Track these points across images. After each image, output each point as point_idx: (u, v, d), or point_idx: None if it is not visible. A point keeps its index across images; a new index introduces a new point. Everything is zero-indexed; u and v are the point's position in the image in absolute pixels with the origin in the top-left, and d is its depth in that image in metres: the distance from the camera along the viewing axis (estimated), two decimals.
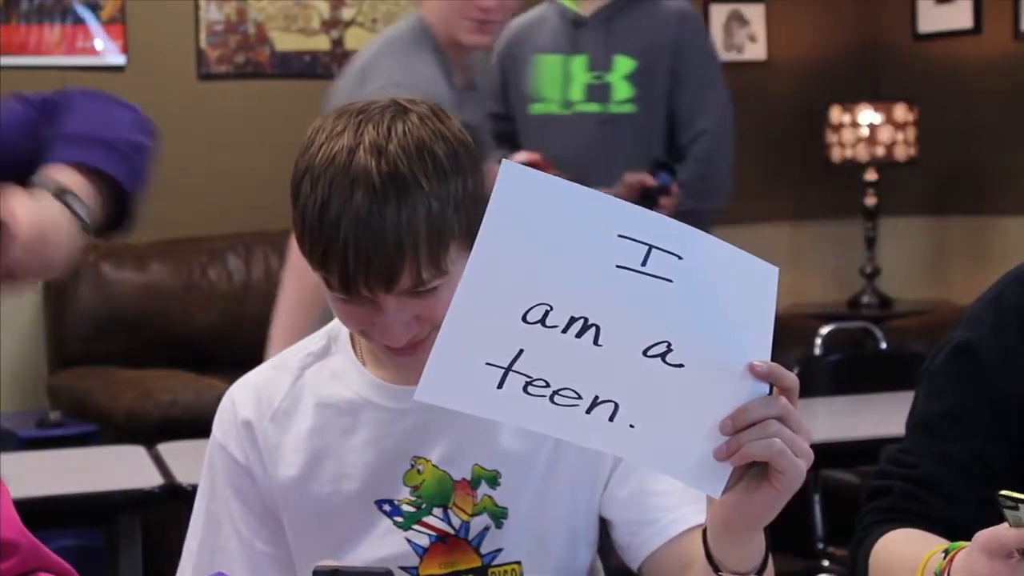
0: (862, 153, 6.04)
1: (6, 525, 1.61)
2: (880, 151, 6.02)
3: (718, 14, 6.17)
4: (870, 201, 6.10)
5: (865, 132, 6.03)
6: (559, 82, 3.90)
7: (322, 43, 5.65)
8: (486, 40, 3.44)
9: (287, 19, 5.61)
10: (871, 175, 6.08)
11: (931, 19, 6.19)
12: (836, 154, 6.09)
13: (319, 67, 5.63)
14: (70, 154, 1.80)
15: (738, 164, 6.08)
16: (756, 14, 6.23)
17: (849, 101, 6.06)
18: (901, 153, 6.04)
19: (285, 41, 5.62)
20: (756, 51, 6.25)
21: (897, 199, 6.20)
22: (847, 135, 6.06)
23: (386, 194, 1.60)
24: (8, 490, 1.64)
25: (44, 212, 1.72)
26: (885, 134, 6.01)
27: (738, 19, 6.21)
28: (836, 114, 6.06)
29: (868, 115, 6.02)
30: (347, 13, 5.64)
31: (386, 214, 1.59)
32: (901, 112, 6.02)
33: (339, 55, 5.62)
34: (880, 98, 6.10)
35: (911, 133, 6.02)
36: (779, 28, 6.27)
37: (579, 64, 3.88)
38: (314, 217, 1.62)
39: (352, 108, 1.67)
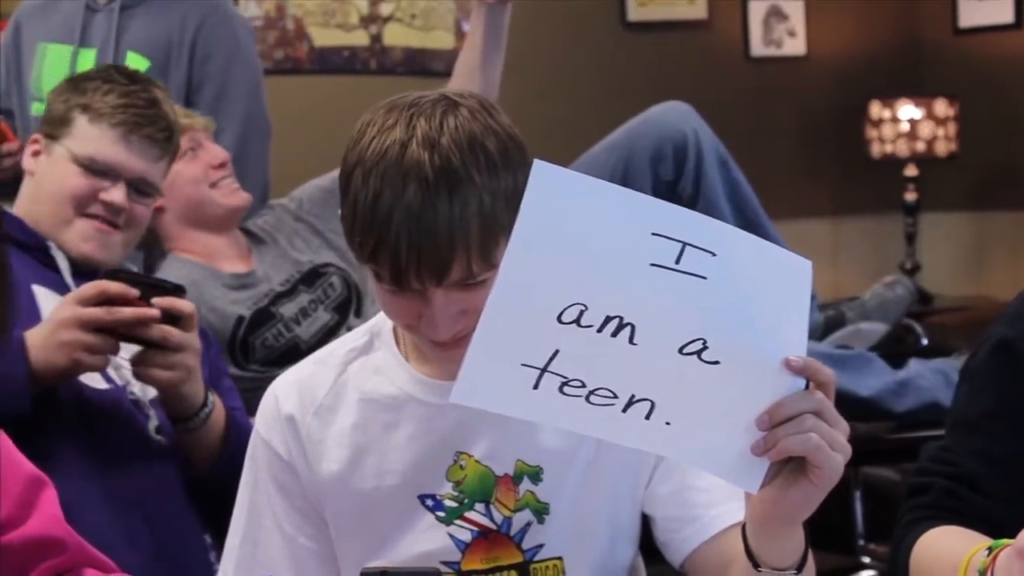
0: (902, 148, 6.02)
1: (53, 523, 1.62)
2: (920, 146, 6.00)
3: (757, 9, 6.15)
4: (910, 197, 6.07)
5: (905, 127, 6.00)
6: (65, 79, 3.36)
7: (361, 39, 5.65)
8: (244, 194, 3.09)
9: (326, 15, 5.61)
10: (911, 171, 6.06)
11: (972, 14, 6.16)
12: (876, 149, 6.07)
13: (358, 63, 5.64)
14: None
15: (777, 160, 6.10)
16: (795, 9, 6.21)
17: (889, 96, 6.03)
18: (941, 148, 6.01)
19: (324, 37, 5.62)
20: (795, 46, 6.23)
21: (937, 195, 6.18)
22: (887, 130, 6.03)
23: (438, 188, 1.60)
24: (54, 490, 1.65)
25: None
26: (925, 129, 5.99)
27: (777, 14, 6.19)
28: (876, 109, 6.04)
29: (908, 110, 5.99)
30: (386, 8, 5.64)
31: (438, 207, 1.60)
32: (941, 107, 5.99)
33: (378, 51, 5.63)
34: (920, 93, 6.07)
35: (951, 128, 6.00)
36: (818, 23, 6.25)
37: (87, 59, 3.29)
38: (366, 210, 1.62)
39: (402, 102, 1.67)
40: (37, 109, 3.29)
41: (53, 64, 3.31)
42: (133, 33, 3.29)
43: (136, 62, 3.24)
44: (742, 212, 3.25)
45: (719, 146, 3.28)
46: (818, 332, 3.40)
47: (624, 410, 1.44)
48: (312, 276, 3.12)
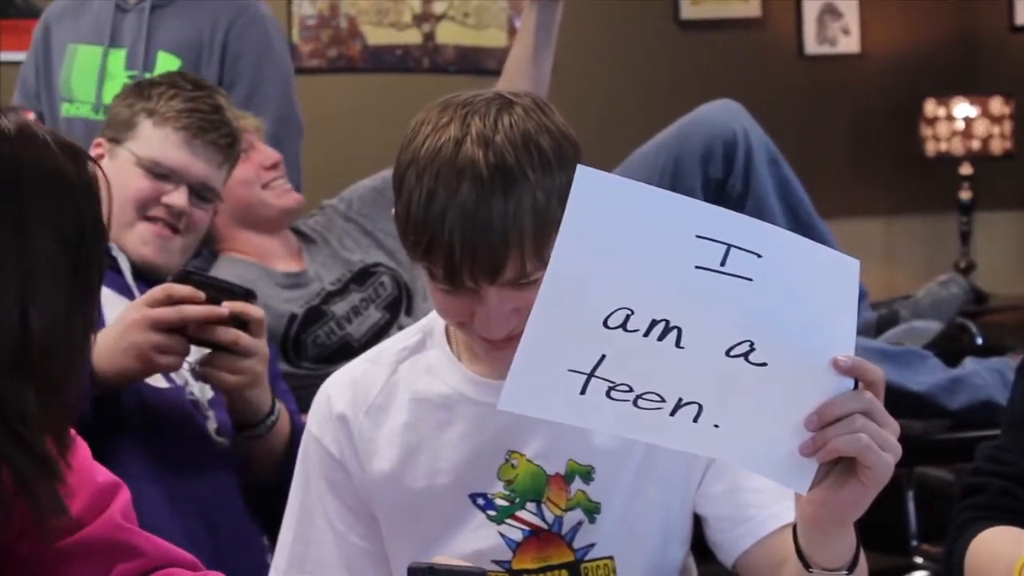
0: (957, 147, 5.98)
1: (116, 528, 1.62)
2: (975, 145, 5.96)
3: (811, 7, 6.13)
4: (965, 195, 6.04)
5: (960, 126, 5.97)
6: (94, 80, 3.27)
7: (414, 37, 5.67)
8: (296, 195, 3.10)
9: (379, 13, 5.63)
10: (966, 169, 6.02)
11: None
12: (931, 148, 6.03)
13: (411, 61, 5.65)
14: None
15: (831, 158, 6.08)
16: (849, 7, 6.18)
17: (944, 94, 6.00)
18: (997, 147, 5.97)
19: (377, 35, 5.64)
20: (849, 44, 6.20)
21: (992, 193, 6.14)
22: (942, 129, 6.00)
23: (493, 186, 1.60)
24: (128, 496, 1.66)
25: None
26: (981, 128, 5.95)
27: (831, 12, 6.16)
28: (931, 107, 6.00)
29: (963, 108, 5.96)
30: (439, 7, 5.65)
31: (493, 205, 1.60)
32: (997, 105, 5.95)
33: (431, 49, 5.64)
34: (976, 91, 6.03)
35: (1007, 127, 5.96)
36: (873, 21, 6.22)
37: (117, 59, 3.26)
38: (419, 208, 1.63)
39: (456, 100, 1.68)
40: (67, 111, 3.30)
41: (83, 65, 3.30)
42: (164, 33, 3.27)
43: (167, 62, 3.23)
44: (792, 210, 3.24)
45: (769, 144, 3.27)
46: (871, 330, 3.39)
47: (672, 413, 1.44)
48: (363, 276, 3.13)
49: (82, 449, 1.63)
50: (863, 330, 3.34)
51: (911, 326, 3.44)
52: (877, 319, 3.46)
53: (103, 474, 1.64)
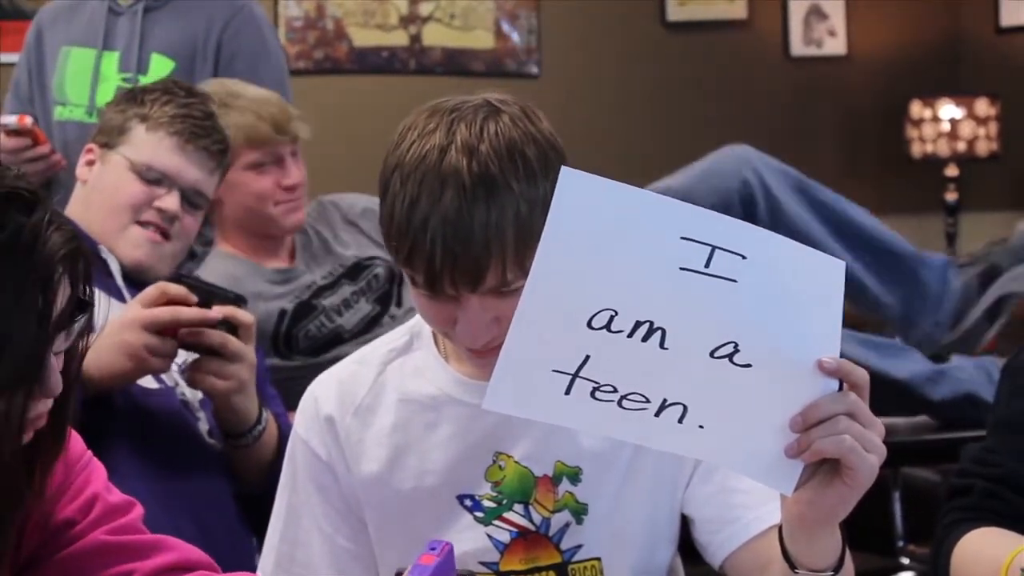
0: (943, 148, 6.00)
1: (135, 535, 1.62)
2: (961, 146, 5.97)
3: (797, 9, 6.14)
4: (951, 197, 6.05)
5: (946, 127, 5.98)
6: (88, 83, 3.26)
7: (400, 39, 5.67)
8: (302, 216, 3.11)
9: (365, 15, 5.63)
10: (952, 170, 6.04)
11: (1013, 12, 6.13)
12: (916, 149, 6.05)
13: (397, 63, 5.65)
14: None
15: (817, 160, 6.09)
16: (835, 8, 6.20)
17: (930, 95, 6.01)
18: (982, 148, 5.99)
19: (363, 37, 5.64)
20: (836, 46, 6.21)
21: (978, 195, 6.15)
22: (928, 130, 6.01)
23: (475, 195, 1.60)
24: (141, 510, 1.65)
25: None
26: (966, 129, 5.96)
27: (817, 13, 6.18)
28: (917, 109, 6.02)
29: (949, 110, 5.97)
30: (425, 8, 5.66)
31: (475, 214, 1.60)
32: (983, 107, 5.97)
33: (417, 51, 5.64)
34: (961, 92, 6.04)
35: (993, 128, 5.97)
36: (859, 22, 6.23)
37: (110, 62, 3.26)
38: (402, 215, 1.63)
39: (444, 106, 1.67)
40: (60, 114, 3.30)
41: (76, 68, 3.29)
42: (157, 35, 3.26)
43: (161, 64, 3.23)
44: (839, 229, 3.19)
45: (789, 173, 3.19)
46: (972, 295, 3.32)
47: (657, 414, 1.44)
48: (356, 270, 3.13)
49: (99, 471, 1.63)
50: (967, 297, 3.27)
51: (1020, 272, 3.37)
52: (978, 277, 3.37)
53: (116, 495, 1.64)
